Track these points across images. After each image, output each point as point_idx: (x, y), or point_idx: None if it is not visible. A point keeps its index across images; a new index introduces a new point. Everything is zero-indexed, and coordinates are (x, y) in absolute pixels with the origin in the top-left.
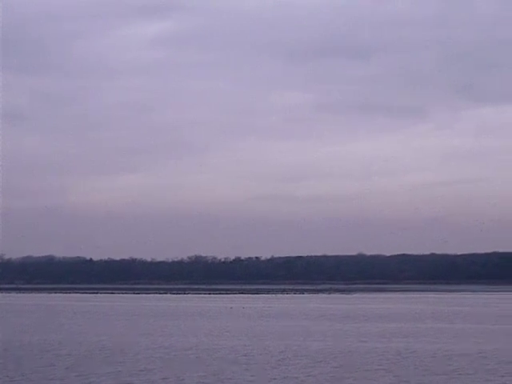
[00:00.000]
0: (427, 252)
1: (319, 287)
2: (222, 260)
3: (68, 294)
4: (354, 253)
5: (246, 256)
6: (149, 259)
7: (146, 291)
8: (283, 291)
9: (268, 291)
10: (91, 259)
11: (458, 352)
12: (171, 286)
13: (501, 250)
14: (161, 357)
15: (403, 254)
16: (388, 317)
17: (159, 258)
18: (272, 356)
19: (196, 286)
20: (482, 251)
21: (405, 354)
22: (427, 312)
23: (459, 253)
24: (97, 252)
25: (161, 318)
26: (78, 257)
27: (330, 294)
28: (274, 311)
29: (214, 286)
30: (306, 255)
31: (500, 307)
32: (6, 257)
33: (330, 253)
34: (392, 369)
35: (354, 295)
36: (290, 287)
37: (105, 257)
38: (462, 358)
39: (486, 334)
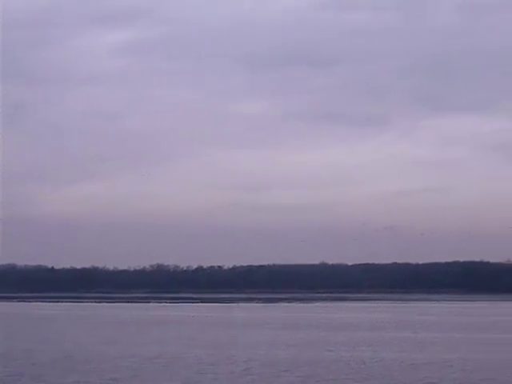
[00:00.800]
0: (389, 261)
1: (281, 296)
2: (185, 268)
3: (30, 303)
4: (316, 262)
5: (208, 265)
6: (111, 268)
7: (109, 300)
8: (245, 300)
9: (230, 300)
10: (53, 268)
11: (424, 361)
12: (133, 295)
13: (462, 259)
14: (127, 366)
15: (365, 263)
16: (352, 326)
17: (121, 267)
18: (237, 365)
19: (158, 295)
20: (444, 260)
21: (370, 364)
22: (391, 321)
23: (421, 262)
24: (59, 260)
25: (125, 326)
26: (40, 265)
27: (291, 302)
28: (237, 320)
29: (176, 295)
30: (267, 264)
31: (463, 316)
32: None
33: (292, 262)
34: (358, 378)
35: (316, 304)
36: (252, 296)
37: (67, 265)
38: (428, 366)
39: (451, 343)
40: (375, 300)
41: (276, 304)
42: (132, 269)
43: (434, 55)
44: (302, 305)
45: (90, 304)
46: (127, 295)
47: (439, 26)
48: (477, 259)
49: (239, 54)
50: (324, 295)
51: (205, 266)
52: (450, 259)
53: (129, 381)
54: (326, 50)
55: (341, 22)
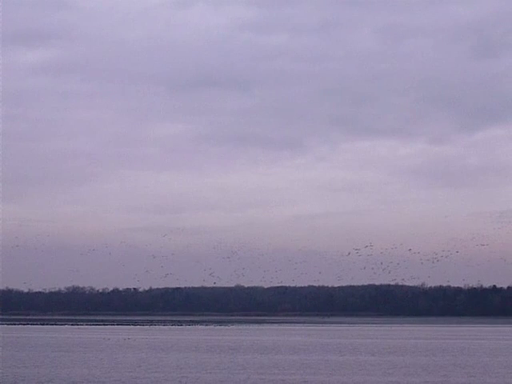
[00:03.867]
0: (305, 284)
1: (197, 319)
2: (100, 291)
3: None
4: (232, 284)
5: (124, 287)
6: (25, 290)
7: (23, 322)
8: (162, 322)
9: (147, 322)
10: None
11: None
12: (48, 317)
13: (377, 282)
14: None
15: (281, 286)
16: (275, 348)
17: (36, 289)
18: None
19: (74, 317)
20: (359, 283)
21: None
22: (313, 344)
23: (337, 285)
24: None
25: (43, 349)
26: None
27: (207, 325)
28: (157, 343)
29: (92, 317)
30: (184, 286)
31: (383, 339)
32: None
33: (207, 284)
34: None
35: (232, 327)
36: (169, 318)
37: None
38: None
39: (381, 366)
40: (291, 323)
41: (192, 326)
42: (47, 291)
43: (353, 79)
44: (219, 327)
45: (4, 326)
46: (42, 317)
47: (358, 49)
48: (392, 283)
49: (156, 75)
50: (240, 318)
51: (121, 289)
52: (365, 282)
53: None
54: (243, 72)
55: (259, 44)
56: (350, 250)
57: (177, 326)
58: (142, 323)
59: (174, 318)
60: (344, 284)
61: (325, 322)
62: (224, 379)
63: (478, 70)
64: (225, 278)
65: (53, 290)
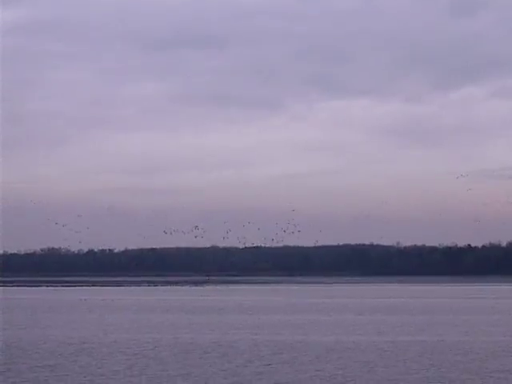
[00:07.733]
0: (280, 244)
1: (173, 279)
2: (76, 252)
3: None
4: (207, 245)
5: (100, 248)
6: (1, 251)
7: None
8: (137, 283)
9: (122, 283)
10: None
11: (352, 344)
12: (24, 279)
13: (352, 242)
14: (48, 349)
15: (256, 247)
16: (261, 309)
17: (11, 251)
18: (174, 349)
19: (49, 278)
20: (335, 243)
21: (314, 346)
22: (298, 304)
23: (312, 245)
24: None
25: (26, 311)
26: None
27: (183, 286)
28: (141, 304)
29: (67, 278)
30: (159, 247)
31: (364, 298)
32: None
33: (183, 245)
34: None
35: (208, 287)
36: (144, 279)
37: None
38: (366, 349)
39: (373, 326)
40: (267, 283)
41: (168, 287)
42: (22, 252)
43: (329, 38)
44: (195, 288)
45: None
46: (17, 279)
47: (334, 8)
48: (367, 242)
49: (130, 34)
50: (216, 278)
51: (96, 250)
52: (340, 242)
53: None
54: (219, 30)
55: (235, 1)
56: (325, 210)
57: (152, 287)
58: (118, 284)
59: (150, 279)
60: (319, 244)
61: (301, 282)
62: (218, 340)
63: (456, 28)
64: (200, 238)
65: (28, 252)
